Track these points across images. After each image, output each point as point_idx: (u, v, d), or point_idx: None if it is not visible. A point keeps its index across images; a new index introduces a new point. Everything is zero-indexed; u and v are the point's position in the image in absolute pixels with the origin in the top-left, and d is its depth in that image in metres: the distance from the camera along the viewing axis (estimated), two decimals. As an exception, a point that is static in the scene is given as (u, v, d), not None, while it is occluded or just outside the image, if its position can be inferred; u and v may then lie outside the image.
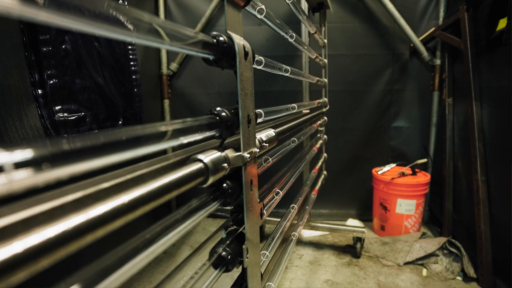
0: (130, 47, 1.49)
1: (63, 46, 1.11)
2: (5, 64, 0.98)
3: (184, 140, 0.37)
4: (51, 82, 1.07)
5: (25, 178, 0.16)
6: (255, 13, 0.64)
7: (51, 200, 0.19)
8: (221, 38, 0.44)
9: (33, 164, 0.17)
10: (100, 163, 0.23)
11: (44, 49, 1.05)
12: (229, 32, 0.47)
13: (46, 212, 0.18)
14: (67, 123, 1.11)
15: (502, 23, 1.29)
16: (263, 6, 0.64)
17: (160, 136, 0.32)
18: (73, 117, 1.14)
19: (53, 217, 0.18)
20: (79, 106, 1.17)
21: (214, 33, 0.44)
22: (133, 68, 1.50)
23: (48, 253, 0.17)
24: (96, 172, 0.24)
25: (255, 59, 0.65)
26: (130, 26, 0.26)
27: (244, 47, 0.49)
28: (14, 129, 0.98)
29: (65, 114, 1.11)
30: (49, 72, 1.07)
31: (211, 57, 0.45)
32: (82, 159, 0.21)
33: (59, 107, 1.10)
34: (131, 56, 1.49)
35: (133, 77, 1.50)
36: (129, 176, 0.28)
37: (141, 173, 0.30)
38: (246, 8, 0.63)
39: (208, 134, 0.43)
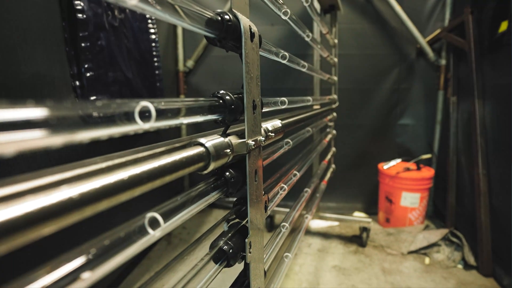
0: (153, 44, 1.60)
1: (99, 42, 1.22)
2: (50, 58, 1.10)
3: (184, 121, 0.35)
4: (88, 74, 1.18)
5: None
6: (280, 14, 0.74)
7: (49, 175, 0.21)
8: (226, 16, 0.42)
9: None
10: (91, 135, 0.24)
11: (83, 44, 1.16)
12: (234, 10, 0.44)
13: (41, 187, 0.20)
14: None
15: (504, 25, 1.38)
16: (288, 9, 0.74)
17: (159, 115, 0.31)
18: (106, 107, 1.25)
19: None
20: (111, 97, 1.28)
21: (219, 10, 0.43)
22: (156, 64, 1.61)
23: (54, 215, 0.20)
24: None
25: (280, 54, 0.74)
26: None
27: (250, 28, 0.46)
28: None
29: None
30: (86, 65, 1.18)
31: (214, 36, 0.42)
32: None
33: (94, 97, 1.21)
34: (154, 53, 1.60)
35: (156, 72, 1.61)
36: (129, 157, 0.28)
37: (142, 155, 0.30)
38: (271, 7, 0.73)
39: (209, 117, 0.41)
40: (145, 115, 0.29)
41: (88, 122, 0.24)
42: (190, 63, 2.24)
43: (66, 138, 0.22)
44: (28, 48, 1.01)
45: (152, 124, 0.29)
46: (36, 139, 0.20)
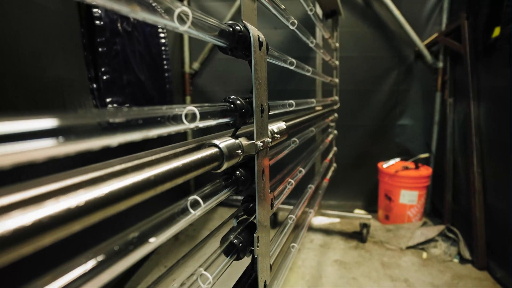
0: (163, 48, 1.67)
1: (115, 47, 1.29)
2: (70, 63, 1.17)
3: (200, 124, 0.37)
4: (104, 78, 1.26)
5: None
6: (289, 24, 0.82)
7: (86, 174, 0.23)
8: (237, 27, 0.45)
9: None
10: (115, 140, 0.25)
11: (100, 49, 1.24)
12: (244, 21, 0.47)
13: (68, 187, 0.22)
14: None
15: (497, 31, 1.45)
16: (294, 20, 0.81)
17: (175, 119, 0.33)
18: (121, 108, 1.32)
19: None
20: (125, 99, 1.35)
21: (230, 22, 0.45)
22: (165, 67, 1.68)
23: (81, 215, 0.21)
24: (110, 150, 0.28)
25: (288, 61, 0.82)
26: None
27: (258, 37, 0.49)
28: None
29: (115, 106, 1.30)
30: (102, 69, 1.25)
31: (226, 46, 0.45)
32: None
33: (110, 99, 1.29)
34: (164, 56, 1.68)
35: (166, 74, 1.68)
36: (150, 158, 0.31)
37: (162, 155, 0.33)
38: (280, 18, 0.80)
39: (221, 121, 0.43)
40: (158, 120, 0.32)
41: (145, 124, 0.31)
42: (196, 65, 2.31)
43: (144, 134, 0.29)
44: (50, 54, 1.09)
45: (197, 124, 0.37)
46: (107, 138, 0.27)
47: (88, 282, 0.22)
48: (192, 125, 0.37)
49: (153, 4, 0.30)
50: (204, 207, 0.39)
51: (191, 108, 0.37)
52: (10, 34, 0.93)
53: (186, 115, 0.36)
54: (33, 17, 1.02)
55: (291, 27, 0.81)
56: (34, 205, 0.19)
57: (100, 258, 0.25)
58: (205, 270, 0.44)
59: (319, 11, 1.80)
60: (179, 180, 0.32)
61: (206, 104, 0.41)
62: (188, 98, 2.36)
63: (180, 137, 2.21)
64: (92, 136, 0.24)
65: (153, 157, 0.32)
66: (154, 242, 0.31)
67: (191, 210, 0.39)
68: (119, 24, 1.33)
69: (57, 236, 0.20)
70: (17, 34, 0.95)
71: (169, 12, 0.33)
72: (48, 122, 0.20)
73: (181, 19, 0.34)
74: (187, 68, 2.32)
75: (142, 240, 0.30)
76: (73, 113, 0.23)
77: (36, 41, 1.03)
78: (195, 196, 0.39)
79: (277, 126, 0.65)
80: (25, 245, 0.18)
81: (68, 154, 0.22)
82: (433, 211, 2.23)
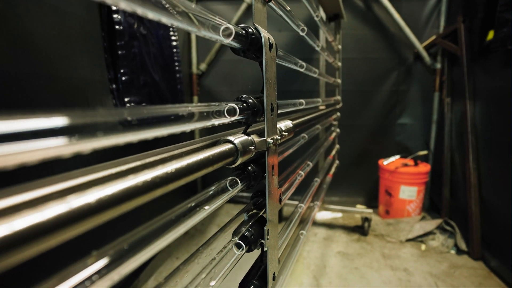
0: (175, 50, 1.76)
1: (133, 50, 1.38)
2: (92, 64, 1.26)
3: (216, 122, 0.40)
4: (123, 78, 1.34)
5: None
6: (299, 30, 0.90)
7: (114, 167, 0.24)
8: (249, 30, 0.47)
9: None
10: (131, 138, 0.26)
11: (119, 52, 1.32)
12: (255, 24, 0.49)
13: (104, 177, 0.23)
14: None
15: (491, 34, 1.54)
16: (304, 26, 0.90)
17: (189, 117, 0.34)
18: (139, 107, 1.41)
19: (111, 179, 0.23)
20: (142, 98, 1.44)
21: (243, 25, 0.47)
22: (177, 68, 1.77)
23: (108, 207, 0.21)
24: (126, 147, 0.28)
25: (299, 64, 0.90)
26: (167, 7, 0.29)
27: (269, 39, 0.51)
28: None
29: (132, 105, 1.38)
30: (122, 71, 1.34)
31: (239, 47, 0.47)
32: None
33: (128, 99, 1.37)
34: (175, 58, 1.76)
35: (177, 75, 1.77)
36: (170, 153, 0.33)
37: (181, 151, 0.35)
38: (291, 25, 0.89)
39: (234, 118, 0.45)
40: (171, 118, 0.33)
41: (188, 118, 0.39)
42: (203, 66, 2.40)
43: (203, 124, 0.38)
44: (76, 56, 1.18)
45: (236, 118, 0.45)
46: (177, 127, 0.35)
47: (168, 232, 0.31)
48: (231, 119, 0.45)
49: (208, 23, 0.39)
50: (240, 185, 0.48)
51: (232, 104, 0.45)
52: (43, 39, 1.02)
53: (193, 113, 0.44)
54: (61, 23, 1.10)
55: (301, 33, 0.90)
56: (116, 180, 0.23)
57: (173, 217, 0.33)
58: (220, 260, 0.46)
59: (322, 14, 1.88)
60: (200, 173, 0.34)
61: (217, 104, 0.43)
62: (195, 98, 2.45)
63: (186, 136, 2.29)
64: (163, 126, 0.32)
65: (175, 152, 0.34)
66: (208, 209, 0.40)
67: (230, 189, 0.47)
68: (136, 28, 1.42)
69: (139, 202, 0.26)
70: (48, 39, 1.04)
71: (216, 28, 0.42)
72: (120, 115, 0.26)
73: (218, 30, 0.43)
74: (194, 69, 2.41)
75: (199, 206, 0.39)
76: (157, 107, 0.31)
77: (64, 45, 1.11)
78: (234, 177, 0.48)
79: (284, 124, 0.68)
80: (89, 219, 0.20)
81: (141, 140, 0.27)
82: (431, 206, 2.32)
